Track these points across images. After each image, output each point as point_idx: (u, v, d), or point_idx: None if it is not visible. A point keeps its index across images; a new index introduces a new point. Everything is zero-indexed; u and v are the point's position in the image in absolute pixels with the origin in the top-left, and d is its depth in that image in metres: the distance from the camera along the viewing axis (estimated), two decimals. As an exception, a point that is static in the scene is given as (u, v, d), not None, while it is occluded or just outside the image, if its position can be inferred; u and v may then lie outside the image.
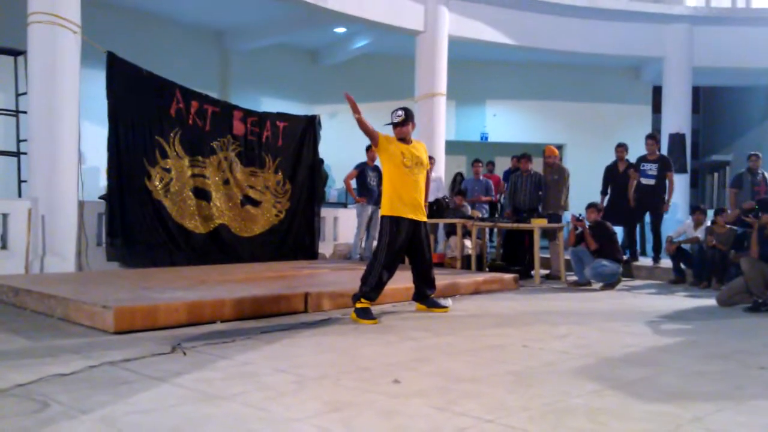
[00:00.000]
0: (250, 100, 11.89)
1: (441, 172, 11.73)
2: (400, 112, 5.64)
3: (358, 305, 5.36)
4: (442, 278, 6.56)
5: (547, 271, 9.26)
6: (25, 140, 7.97)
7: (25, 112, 7.94)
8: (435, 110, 11.90)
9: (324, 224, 10.76)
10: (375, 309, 5.54)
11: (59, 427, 2.63)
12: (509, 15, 12.59)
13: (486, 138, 15.89)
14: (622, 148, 10.04)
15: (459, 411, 2.91)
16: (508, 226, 9.12)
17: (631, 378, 3.61)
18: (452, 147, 13.82)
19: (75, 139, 7.64)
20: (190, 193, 8.61)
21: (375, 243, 6.66)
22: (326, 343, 4.45)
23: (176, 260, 8.31)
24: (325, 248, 10.65)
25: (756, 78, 15.56)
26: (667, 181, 9.39)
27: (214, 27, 13.26)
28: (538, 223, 8.62)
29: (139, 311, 4.73)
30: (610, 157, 10.22)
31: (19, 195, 8.65)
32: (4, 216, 7.34)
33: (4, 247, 7.33)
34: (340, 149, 12.64)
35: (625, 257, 8.90)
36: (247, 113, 9.48)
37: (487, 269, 9.04)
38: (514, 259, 9.40)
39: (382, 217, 5.64)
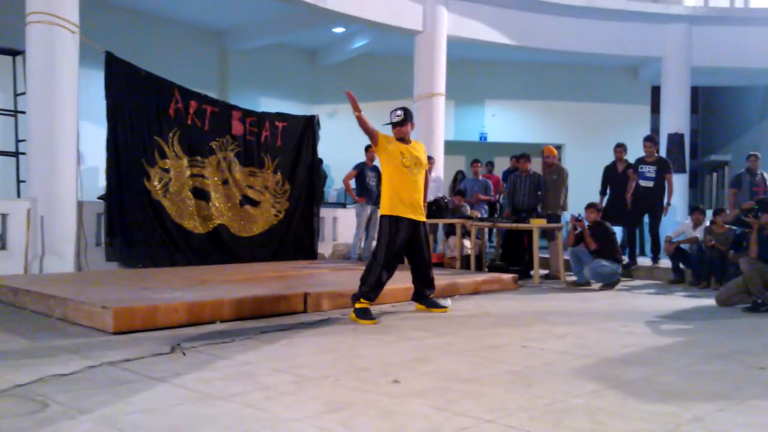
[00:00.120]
0: (249, 100, 11.90)
1: (440, 172, 11.74)
2: (399, 112, 5.63)
3: (358, 305, 5.36)
4: (441, 278, 6.56)
5: (546, 271, 9.27)
6: (23, 140, 7.96)
7: (23, 112, 7.94)
8: (434, 110, 11.90)
9: (323, 224, 10.76)
10: (374, 309, 5.54)
11: (58, 427, 2.62)
12: (508, 15, 12.59)
13: (485, 138, 15.89)
14: (620, 148, 10.05)
15: (458, 411, 2.91)
16: (507, 226, 9.12)
17: (630, 378, 3.61)
18: (451, 147, 13.82)
19: (74, 139, 7.63)
20: (189, 194, 8.60)
21: (374, 243, 6.66)
22: (325, 344, 4.45)
23: (175, 260, 8.31)
24: (324, 248, 10.65)
25: (754, 78, 15.58)
26: (666, 183, 9.35)
27: (213, 27, 13.26)
28: (537, 223, 8.62)
29: (138, 311, 4.73)
30: (609, 157, 10.23)
31: (18, 195, 8.64)
32: (3, 216, 7.34)
33: (4, 247, 7.33)
34: (339, 149, 12.65)
35: (624, 258, 8.90)
36: (246, 113, 9.48)
37: (486, 269, 9.04)
38: (514, 259, 9.40)
39: (382, 216, 5.64)
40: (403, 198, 5.54)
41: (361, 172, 9.90)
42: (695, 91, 17.72)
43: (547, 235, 9.23)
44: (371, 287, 5.42)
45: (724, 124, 20.72)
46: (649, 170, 9.28)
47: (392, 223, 5.51)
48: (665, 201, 9.35)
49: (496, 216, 10.66)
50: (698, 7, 13.80)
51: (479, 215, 10.00)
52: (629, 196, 9.36)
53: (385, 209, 5.59)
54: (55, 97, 7.45)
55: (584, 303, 6.90)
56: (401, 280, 6.01)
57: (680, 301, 7.20)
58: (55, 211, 7.42)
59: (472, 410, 2.92)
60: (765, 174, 9.70)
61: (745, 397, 3.28)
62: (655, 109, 15.07)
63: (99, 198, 8.19)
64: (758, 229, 6.63)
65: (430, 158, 9.78)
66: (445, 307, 5.93)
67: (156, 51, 11.42)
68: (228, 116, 9.20)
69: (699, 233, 8.62)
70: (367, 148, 9.75)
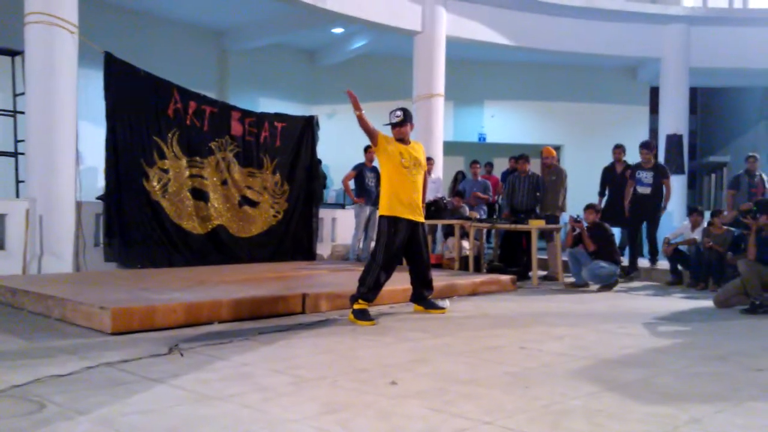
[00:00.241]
0: (248, 101, 11.90)
1: (439, 172, 11.74)
2: (398, 113, 5.63)
3: (356, 306, 5.36)
4: (439, 279, 6.57)
5: (544, 272, 9.27)
6: (22, 140, 7.96)
7: (22, 113, 7.94)
8: (433, 111, 11.90)
9: (322, 225, 10.75)
10: (373, 310, 5.54)
11: (56, 428, 2.62)
12: (507, 15, 12.60)
13: (484, 139, 15.89)
14: (619, 149, 10.05)
15: (456, 412, 2.91)
16: (506, 227, 9.12)
17: (628, 379, 3.62)
18: (450, 148, 13.82)
19: (73, 139, 7.63)
20: (188, 194, 8.60)
21: (373, 244, 6.66)
22: (324, 345, 4.45)
23: (174, 261, 8.30)
24: (323, 249, 10.65)
25: (753, 78, 15.59)
26: (663, 188, 9.32)
27: (212, 27, 13.26)
28: (535, 224, 8.63)
29: (136, 312, 4.73)
30: (608, 158, 10.23)
31: (17, 195, 8.64)
32: (2, 216, 7.33)
33: (2, 247, 7.32)
34: (338, 150, 12.65)
35: (623, 259, 8.89)
36: (245, 114, 9.48)
37: (485, 270, 9.04)
38: (512, 260, 9.39)
39: (380, 217, 5.64)
40: (402, 199, 5.54)
41: (360, 172, 9.91)
42: (694, 92, 17.73)
43: (546, 236, 9.23)
44: (369, 288, 5.42)
45: (722, 125, 20.75)
46: (647, 176, 9.24)
47: (391, 223, 5.51)
48: (663, 205, 9.33)
49: (494, 217, 10.66)
50: (697, 8, 13.82)
51: (478, 216, 10.00)
52: (627, 203, 9.32)
53: (383, 209, 5.59)
54: (54, 97, 7.44)
55: (582, 304, 6.90)
56: (399, 281, 6.01)
57: (678, 302, 7.21)
58: (54, 211, 7.42)
59: (470, 412, 2.92)
60: (764, 175, 9.70)
61: (743, 399, 3.28)
62: (654, 109, 15.07)
63: (98, 198, 8.18)
64: (756, 231, 6.64)
65: (429, 159, 9.82)
66: (443, 308, 5.93)
67: (155, 51, 11.42)
68: (227, 117, 9.20)
69: (697, 235, 8.63)
70: (366, 149, 9.76)
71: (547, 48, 13.14)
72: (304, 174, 10.13)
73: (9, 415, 2.77)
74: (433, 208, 9.61)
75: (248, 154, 9.40)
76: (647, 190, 9.20)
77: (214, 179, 8.93)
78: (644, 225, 9.47)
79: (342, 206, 12.27)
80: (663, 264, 9.24)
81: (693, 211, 9.26)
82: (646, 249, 9.78)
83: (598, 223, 8.35)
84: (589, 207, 8.52)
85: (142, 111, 8.20)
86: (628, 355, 4.29)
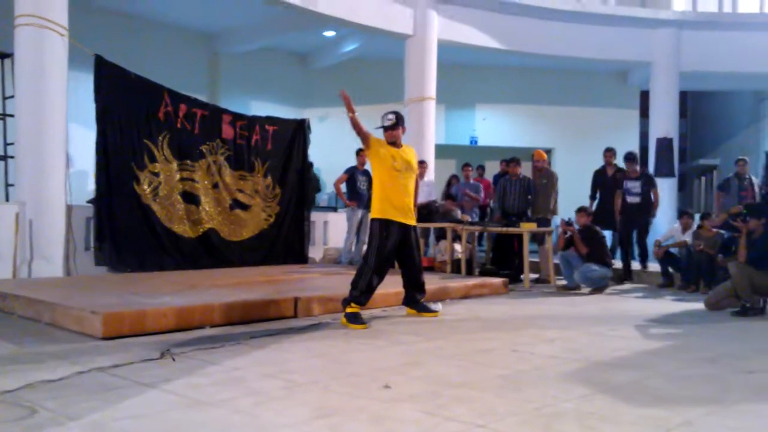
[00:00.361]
0: (239, 104, 11.87)
1: (431, 176, 11.75)
2: (391, 116, 5.64)
3: (348, 310, 5.35)
4: (432, 282, 6.57)
5: (536, 275, 9.29)
6: (12, 143, 7.91)
7: (12, 116, 7.89)
8: (424, 114, 11.91)
9: (314, 228, 10.74)
10: (365, 313, 5.54)
11: (47, 434, 2.61)
12: (498, 19, 12.63)
13: (475, 142, 15.93)
14: (610, 152, 10.09)
15: (449, 416, 2.91)
16: (498, 230, 9.14)
17: (620, 382, 3.63)
18: (442, 151, 13.83)
19: (63, 142, 7.59)
20: (179, 197, 8.57)
21: (365, 247, 6.66)
22: (316, 348, 4.44)
23: (165, 265, 8.26)
24: (315, 252, 10.64)
25: (743, 82, 15.70)
26: (652, 196, 9.39)
27: (204, 30, 13.23)
28: (527, 227, 8.65)
29: (127, 316, 4.71)
30: (599, 162, 10.27)
31: (7, 199, 8.59)
32: (-9, 220, 7.28)
33: (-9, 251, 7.27)
34: (330, 153, 12.63)
35: (614, 261, 8.92)
36: (237, 117, 9.46)
37: (477, 273, 9.05)
38: (504, 263, 9.41)
39: (372, 220, 5.64)
40: (394, 202, 5.54)
41: (351, 176, 9.91)
42: (684, 96, 17.82)
43: (538, 239, 9.26)
44: (362, 291, 5.42)
45: (712, 128, 20.86)
46: (635, 186, 9.34)
47: (383, 227, 5.51)
48: (652, 213, 9.40)
49: (486, 220, 10.68)
50: (687, 12, 13.91)
51: (470, 219, 10.01)
52: (618, 215, 9.38)
53: (375, 212, 5.59)
54: (44, 100, 7.40)
55: (574, 307, 6.92)
56: (392, 285, 6.01)
57: (669, 305, 7.24)
58: (44, 215, 7.37)
59: (463, 415, 2.92)
60: (753, 178, 9.77)
61: (734, 401, 3.30)
62: (644, 113, 15.14)
63: (88, 202, 8.14)
64: (747, 234, 6.68)
65: (422, 162, 9.84)
66: (435, 311, 5.93)
67: (146, 54, 11.37)
68: (218, 120, 9.18)
69: (688, 237, 8.67)
70: (358, 152, 9.76)
71: (538, 52, 13.18)
72: (296, 177, 10.12)
73: (0, 420, 2.76)
74: (425, 212, 9.61)
75: (239, 157, 9.38)
76: (637, 200, 9.31)
77: (205, 182, 8.91)
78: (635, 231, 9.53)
79: (334, 209, 12.26)
80: (654, 266, 9.28)
81: (683, 213, 9.32)
82: (636, 252, 9.82)
83: (589, 226, 8.37)
84: (580, 210, 8.55)
85: (133, 114, 8.18)
86: (620, 358, 4.30)
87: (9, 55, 8.29)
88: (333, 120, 13.68)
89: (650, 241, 9.38)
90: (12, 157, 7.91)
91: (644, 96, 15.44)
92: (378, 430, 2.72)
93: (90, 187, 8.65)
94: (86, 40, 8.02)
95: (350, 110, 5.36)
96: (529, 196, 9.25)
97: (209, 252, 8.84)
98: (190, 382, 3.42)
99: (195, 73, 12.99)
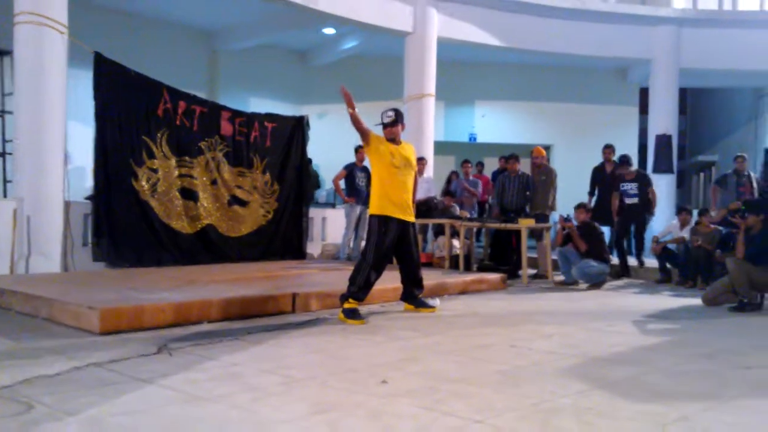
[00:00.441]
0: (238, 101, 11.86)
1: (430, 172, 11.75)
2: (390, 113, 5.65)
3: (346, 305, 5.35)
4: (430, 278, 6.57)
5: (534, 271, 9.29)
6: (11, 140, 7.90)
7: (11, 113, 7.88)
8: (424, 111, 11.90)
9: (312, 224, 10.75)
10: (363, 309, 5.54)
11: (44, 429, 2.61)
12: (498, 17, 12.61)
13: (474, 139, 15.92)
14: (609, 149, 10.10)
15: (447, 411, 2.91)
16: (496, 226, 9.14)
17: (617, 377, 3.63)
18: (441, 148, 13.83)
19: (61, 139, 7.58)
20: (177, 194, 8.56)
21: (363, 243, 6.66)
22: (313, 344, 4.44)
23: (163, 260, 8.26)
24: (313, 248, 10.64)
25: (742, 80, 15.69)
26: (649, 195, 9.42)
27: (203, 27, 13.20)
28: (525, 223, 8.65)
29: (125, 312, 4.71)
30: (598, 158, 10.27)
31: (5, 195, 8.59)
32: (-10, 216, 7.28)
33: (-10, 247, 7.27)
34: (329, 150, 12.62)
35: (612, 258, 8.92)
36: (235, 114, 9.45)
37: (475, 269, 9.06)
38: (502, 259, 9.42)
39: (371, 216, 5.64)
40: (393, 198, 5.54)
41: (350, 172, 9.91)
42: (683, 92, 17.81)
43: (536, 235, 9.26)
44: (360, 287, 5.42)
45: (711, 125, 20.86)
46: (632, 187, 9.36)
47: (381, 223, 5.51)
48: (650, 211, 9.43)
49: (484, 216, 10.69)
50: (687, 10, 13.89)
51: (468, 215, 10.02)
52: (616, 216, 9.39)
53: (374, 209, 5.59)
54: (44, 97, 7.39)
55: (572, 303, 6.92)
56: (390, 280, 6.01)
57: (667, 300, 7.25)
58: (42, 211, 7.37)
59: (461, 410, 2.92)
60: (752, 174, 9.77)
61: (731, 397, 3.30)
62: (644, 110, 15.13)
63: (86, 198, 8.14)
64: (745, 230, 6.69)
65: (422, 159, 9.84)
66: (433, 306, 5.94)
67: (145, 51, 11.35)
68: (217, 116, 9.17)
69: (686, 233, 8.68)
70: (357, 149, 9.76)
71: (537, 49, 13.16)
72: (295, 174, 10.12)
73: (-4, 415, 2.75)
74: (424, 208, 9.62)
75: (238, 153, 9.38)
76: (635, 200, 9.34)
77: (204, 179, 8.90)
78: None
79: (332, 206, 12.26)
80: (652, 262, 9.29)
81: (681, 209, 9.33)
82: (633, 246, 9.82)
83: (588, 223, 8.39)
84: (579, 206, 8.57)
85: (132, 111, 8.16)
86: (618, 353, 4.30)
87: (8, 53, 8.28)
88: (332, 117, 13.67)
89: (648, 238, 9.39)
90: (11, 153, 7.90)
91: (644, 93, 15.42)
92: (376, 425, 2.72)
93: (88, 183, 8.65)
94: (86, 38, 8.00)
95: (350, 106, 5.35)
96: (528, 193, 9.25)
97: (207, 248, 8.84)
98: (187, 378, 3.42)
99: (194, 70, 12.97)
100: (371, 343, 4.50)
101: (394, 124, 5.62)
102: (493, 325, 5.33)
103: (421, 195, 9.12)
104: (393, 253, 5.76)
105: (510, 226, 8.81)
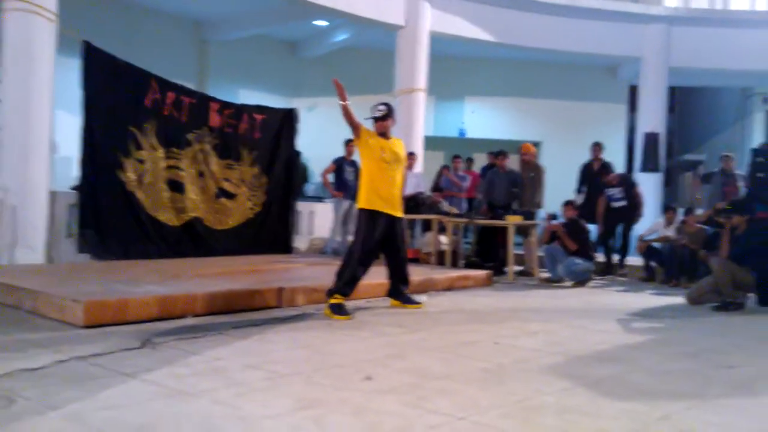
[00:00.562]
0: (227, 92, 11.79)
1: (419, 168, 11.74)
2: (381, 107, 5.63)
3: (332, 301, 5.35)
4: (416, 274, 6.58)
5: (520, 268, 9.32)
6: (-2, 129, 7.81)
7: (-1, 101, 7.78)
8: (414, 105, 11.89)
9: (300, 218, 10.72)
10: (349, 304, 5.53)
11: (26, 423, 2.59)
12: (490, 12, 12.61)
13: (464, 134, 15.93)
14: (597, 146, 10.14)
15: (431, 408, 2.91)
16: (483, 222, 9.16)
17: (601, 375, 3.65)
18: (431, 142, 13.82)
19: (48, 128, 7.51)
20: (164, 185, 8.49)
21: (350, 238, 6.66)
22: (299, 339, 4.44)
23: (149, 253, 8.19)
24: (300, 242, 10.61)
25: (731, 79, 15.76)
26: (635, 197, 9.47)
27: (193, 17, 13.10)
28: (512, 220, 8.67)
29: (109, 305, 4.67)
30: (586, 155, 10.31)
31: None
32: (-27, 206, 7.21)
33: (-27, 237, 7.20)
34: (318, 143, 12.59)
35: (598, 256, 8.97)
36: (224, 105, 9.38)
37: (461, 265, 9.07)
38: (489, 255, 9.43)
39: (359, 210, 5.63)
40: (381, 193, 5.53)
41: (339, 166, 9.89)
42: (672, 91, 17.87)
43: (522, 231, 9.29)
44: (346, 282, 5.41)
45: (699, 124, 20.97)
46: (617, 192, 9.41)
47: (369, 217, 5.50)
48: (637, 213, 9.47)
49: (472, 212, 10.70)
50: (678, 8, 13.91)
51: (456, 211, 10.03)
52: (601, 222, 9.41)
53: (362, 203, 5.58)
54: (31, 86, 7.31)
55: (557, 300, 6.96)
56: (377, 276, 6.00)
57: (651, 299, 7.30)
58: (28, 201, 7.29)
59: (445, 407, 2.93)
60: (739, 173, 9.84)
61: (714, 396, 3.33)
62: (633, 108, 15.20)
63: (72, 188, 8.07)
64: (730, 230, 6.73)
65: (412, 154, 9.83)
66: (419, 303, 5.95)
67: (134, 41, 11.26)
68: (206, 108, 9.10)
69: (671, 232, 8.74)
70: (347, 143, 9.73)
71: (528, 45, 13.17)
72: (283, 167, 10.06)
73: (-24, 409, 2.73)
74: (412, 203, 9.61)
75: (226, 145, 9.31)
76: (622, 203, 9.38)
77: (191, 171, 8.83)
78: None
79: (321, 200, 12.24)
80: (636, 260, 9.34)
81: (668, 208, 9.39)
82: (618, 243, 9.87)
83: (575, 220, 8.42)
84: (567, 203, 8.60)
85: (120, 101, 8.08)
86: (601, 351, 4.33)
87: (-5, 40, 8.18)
88: (322, 110, 13.62)
89: (633, 237, 9.44)
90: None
91: (633, 91, 15.47)
92: (360, 421, 2.73)
93: (74, 173, 8.57)
94: (75, 27, 7.92)
95: (343, 99, 5.33)
96: (515, 189, 9.26)
97: (193, 240, 8.78)
98: (171, 372, 3.40)
99: (184, 60, 12.87)
100: (357, 338, 4.50)
101: (385, 118, 5.60)
102: (479, 322, 5.35)
103: (409, 190, 9.11)
104: (380, 248, 5.75)
105: (497, 223, 8.83)
